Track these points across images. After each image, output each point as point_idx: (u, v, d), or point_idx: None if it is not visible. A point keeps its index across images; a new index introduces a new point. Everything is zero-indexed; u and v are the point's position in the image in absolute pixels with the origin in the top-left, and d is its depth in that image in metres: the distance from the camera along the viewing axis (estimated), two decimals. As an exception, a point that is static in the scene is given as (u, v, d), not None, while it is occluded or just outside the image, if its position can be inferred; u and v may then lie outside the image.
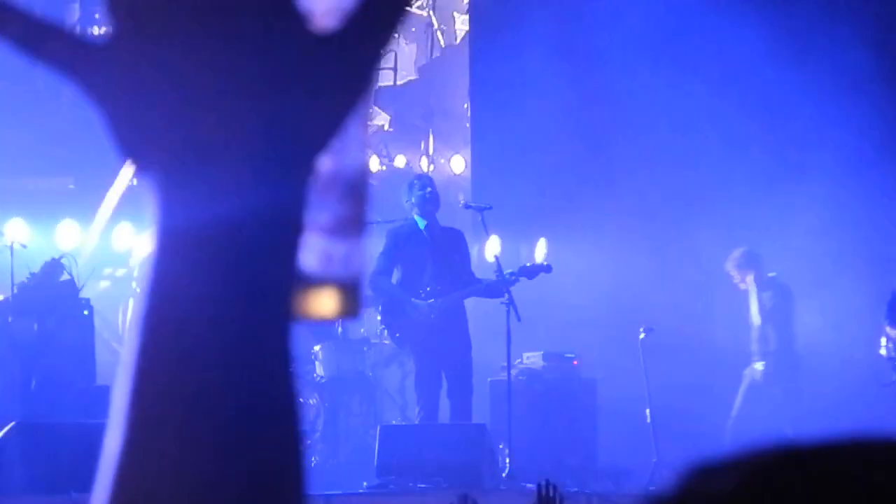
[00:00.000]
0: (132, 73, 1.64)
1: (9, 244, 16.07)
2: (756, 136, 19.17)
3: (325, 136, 1.77)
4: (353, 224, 1.73)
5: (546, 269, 15.56)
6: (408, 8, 1.55)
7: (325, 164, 1.68)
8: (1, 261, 16.05)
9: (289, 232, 1.73)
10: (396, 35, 1.53)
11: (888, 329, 16.38)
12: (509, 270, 15.58)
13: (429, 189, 15.70)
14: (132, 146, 2.05)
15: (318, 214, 1.73)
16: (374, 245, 16.07)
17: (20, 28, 1.62)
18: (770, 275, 17.25)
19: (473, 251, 16.10)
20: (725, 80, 19.44)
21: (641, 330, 16.67)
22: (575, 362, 17.13)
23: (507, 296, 15.46)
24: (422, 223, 15.73)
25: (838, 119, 18.86)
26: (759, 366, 17.14)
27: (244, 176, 1.80)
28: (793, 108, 18.98)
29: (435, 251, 15.60)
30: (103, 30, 1.64)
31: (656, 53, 19.13)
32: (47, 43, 1.68)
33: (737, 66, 19.40)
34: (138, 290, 2.39)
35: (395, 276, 15.79)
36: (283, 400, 2.14)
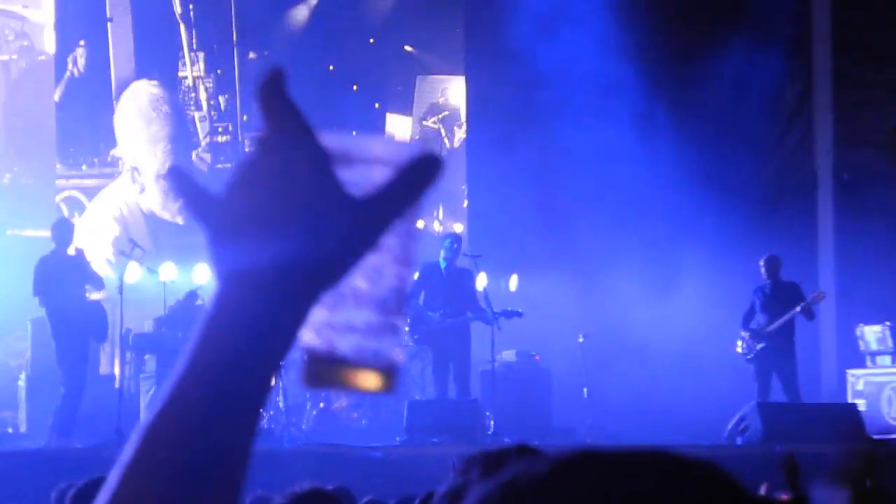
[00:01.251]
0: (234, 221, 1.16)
1: (163, 280, 16.03)
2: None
3: (326, 282, 1.31)
4: (387, 330, 1.23)
5: (519, 314, 15.63)
6: (425, 194, 1.33)
7: (360, 282, 1.32)
8: (157, 291, 16.04)
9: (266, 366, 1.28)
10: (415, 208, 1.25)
11: (742, 333, 16.27)
12: (494, 311, 15.55)
13: (455, 245, 15.75)
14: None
15: (353, 323, 1.29)
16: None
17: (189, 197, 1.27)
18: None
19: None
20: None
21: (581, 336, 16.78)
22: (537, 357, 17.14)
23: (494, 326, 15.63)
24: (443, 264, 15.74)
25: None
26: None
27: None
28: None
29: (449, 284, 15.60)
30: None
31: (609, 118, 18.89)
32: (195, 210, 1.30)
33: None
34: None
35: (421, 299, 15.71)
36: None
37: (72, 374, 13.90)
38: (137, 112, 18.95)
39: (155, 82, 19.16)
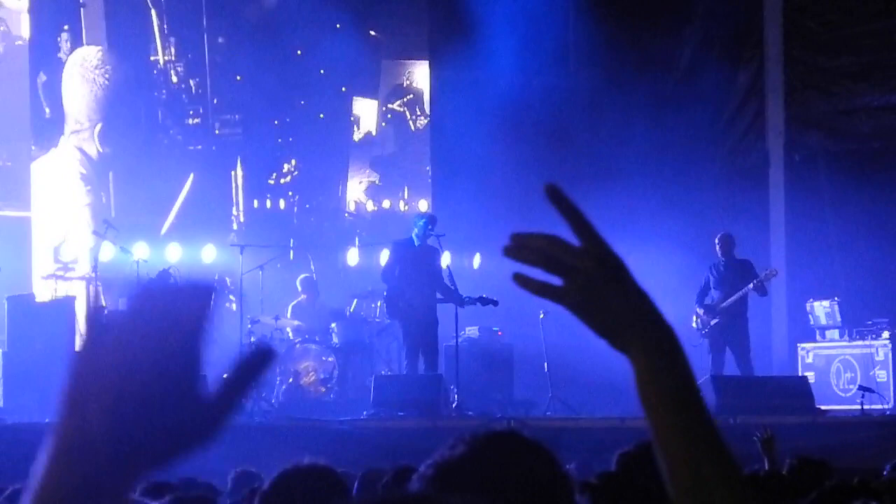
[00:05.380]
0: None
1: (136, 259, 15.90)
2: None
3: (155, 464, 1.30)
4: None
5: (494, 303, 15.38)
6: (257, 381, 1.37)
7: None
8: (131, 270, 15.81)
9: None
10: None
11: (697, 309, 16.40)
12: (467, 295, 15.46)
13: (430, 226, 15.70)
14: None
15: None
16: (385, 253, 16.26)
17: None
18: None
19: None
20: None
21: (541, 312, 16.76)
22: (499, 333, 17.21)
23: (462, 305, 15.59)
24: (416, 242, 15.71)
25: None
26: None
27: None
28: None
29: (422, 261, 15.52)
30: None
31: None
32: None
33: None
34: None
35: (396, 271, 15.67)
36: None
37: None
38: (80, 76, 18.89)
39: (100, 48, 19.07)
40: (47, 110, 18.54)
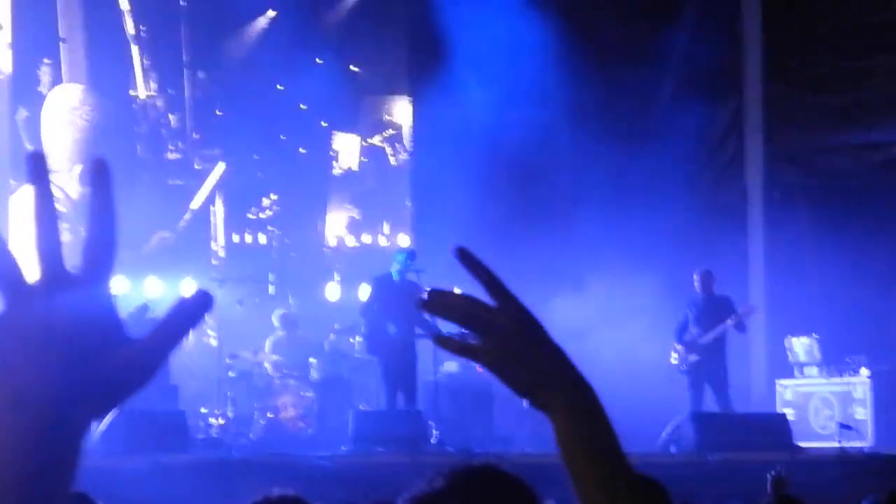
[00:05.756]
0: None
1: (114, 293, 15.93)
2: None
3: (95, 412, 1.33)
4: None
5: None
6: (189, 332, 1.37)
7: None
8: None
9: None
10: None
11: (676, 345, 16.39)
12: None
13: (409, 261, 15.70)
14: None
15: None
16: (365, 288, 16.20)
17: None
18: None
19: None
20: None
21: None
22: (479, 369, 16.79)
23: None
24: (396, 277, 15.70)
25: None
26: None
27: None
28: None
29: (401, 296, 15.33)
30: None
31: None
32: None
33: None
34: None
35: (376, 307, 15.63)
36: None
37: None
38: (60, 118, 18.85)
39: (80, 87, 19.05)
40: (28, 146, 18.49)
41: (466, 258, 1.89)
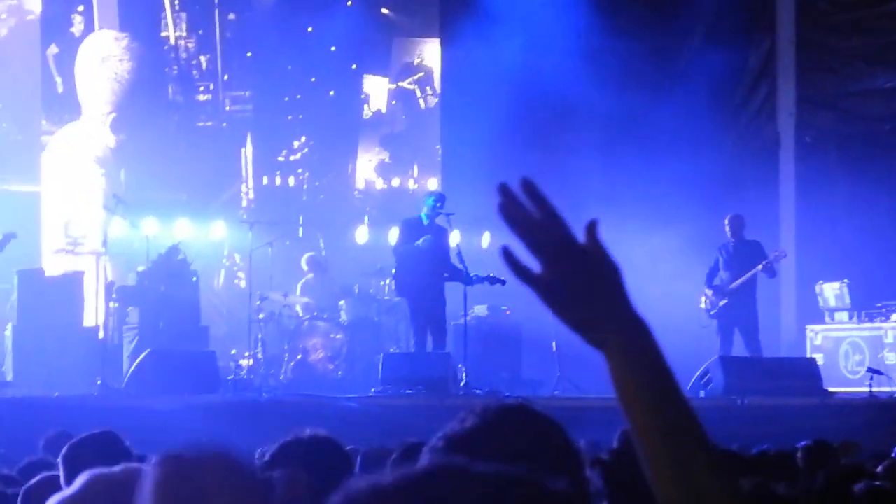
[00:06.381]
0: None
1: (145, 234, 15.83)
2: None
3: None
4: None
5: (502, 282, 14.81)
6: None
7: None
8: (140, 245, 15.88)
9: None
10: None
11: (706, 290, 16.35)
12: (475, 273, 15.31)
13: (439, 204, 15.64)
14: None
15: None
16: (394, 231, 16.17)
17: None
18: None
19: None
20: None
21: None
22: (507, 312, 17.12)
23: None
24: (425, 220, 15.60)
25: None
26: None
27: None
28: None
29: (432, 240, 15.36)
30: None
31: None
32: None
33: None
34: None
35: (405, 249, 15.52)
36: None
37: None
38: (95, 67, 18.83)
39: (114, 34, 19.02)
40: (59, 81, 18.51)
41: (531, 190, 1.88)
